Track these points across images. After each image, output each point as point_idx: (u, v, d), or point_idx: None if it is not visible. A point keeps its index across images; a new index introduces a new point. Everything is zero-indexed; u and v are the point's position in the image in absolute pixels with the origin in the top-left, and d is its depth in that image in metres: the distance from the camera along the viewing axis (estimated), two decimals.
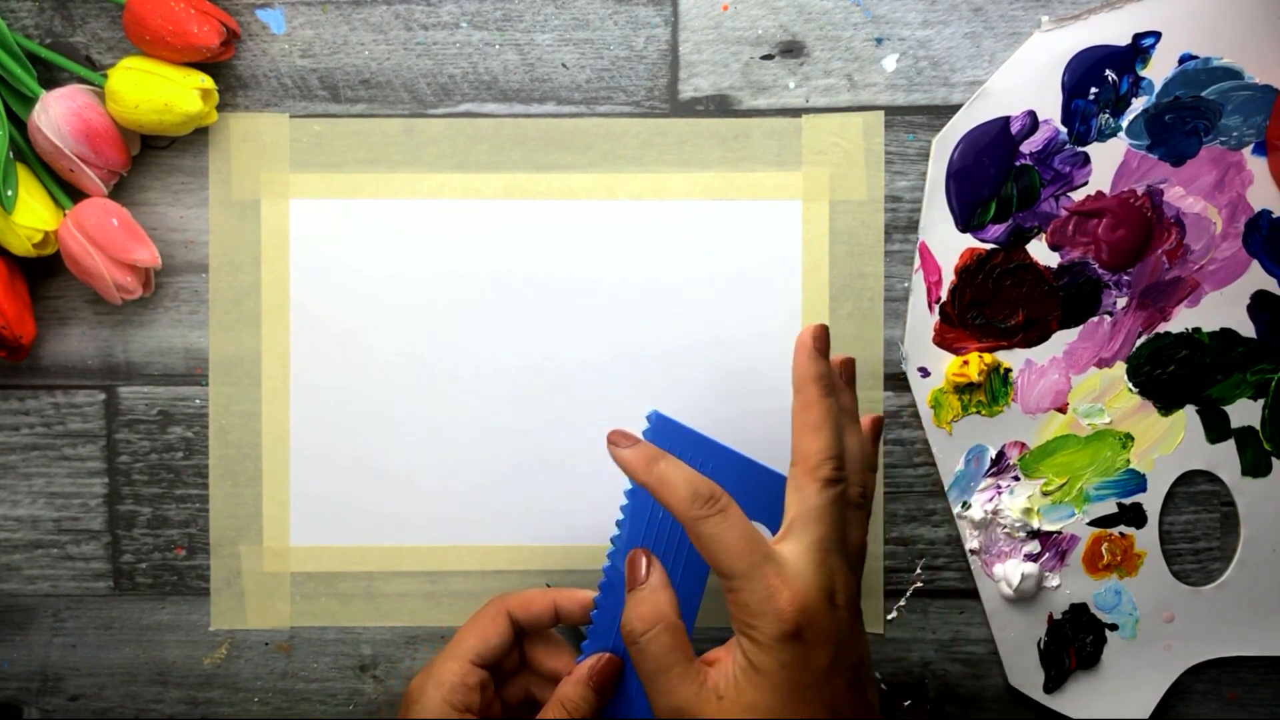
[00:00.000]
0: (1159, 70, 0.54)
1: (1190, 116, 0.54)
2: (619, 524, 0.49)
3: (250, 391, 0.56)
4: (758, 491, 0.48)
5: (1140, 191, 0.54)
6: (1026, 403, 0.55)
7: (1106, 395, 0.55)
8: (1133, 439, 0.55)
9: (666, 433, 0.48)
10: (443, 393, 0.56)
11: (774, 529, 0.47)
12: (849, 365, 0.48)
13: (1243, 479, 0.55)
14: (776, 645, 0.42)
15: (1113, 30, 0.54)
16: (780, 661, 0.42)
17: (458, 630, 0.51)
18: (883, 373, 0.55)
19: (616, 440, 0.47)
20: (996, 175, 0.54)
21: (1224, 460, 0.55)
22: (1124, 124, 0.54)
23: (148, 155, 0.56)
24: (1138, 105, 0.54)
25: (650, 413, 0.49)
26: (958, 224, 0.55)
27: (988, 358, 0.55)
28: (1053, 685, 0.55)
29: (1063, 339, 0.55)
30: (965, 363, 0.54)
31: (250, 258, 0.56)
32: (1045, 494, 0.55)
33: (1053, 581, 0.55)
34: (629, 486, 0.49)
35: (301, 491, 0.56)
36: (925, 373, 0.55)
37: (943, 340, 0.55)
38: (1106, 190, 0.54)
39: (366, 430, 0.56)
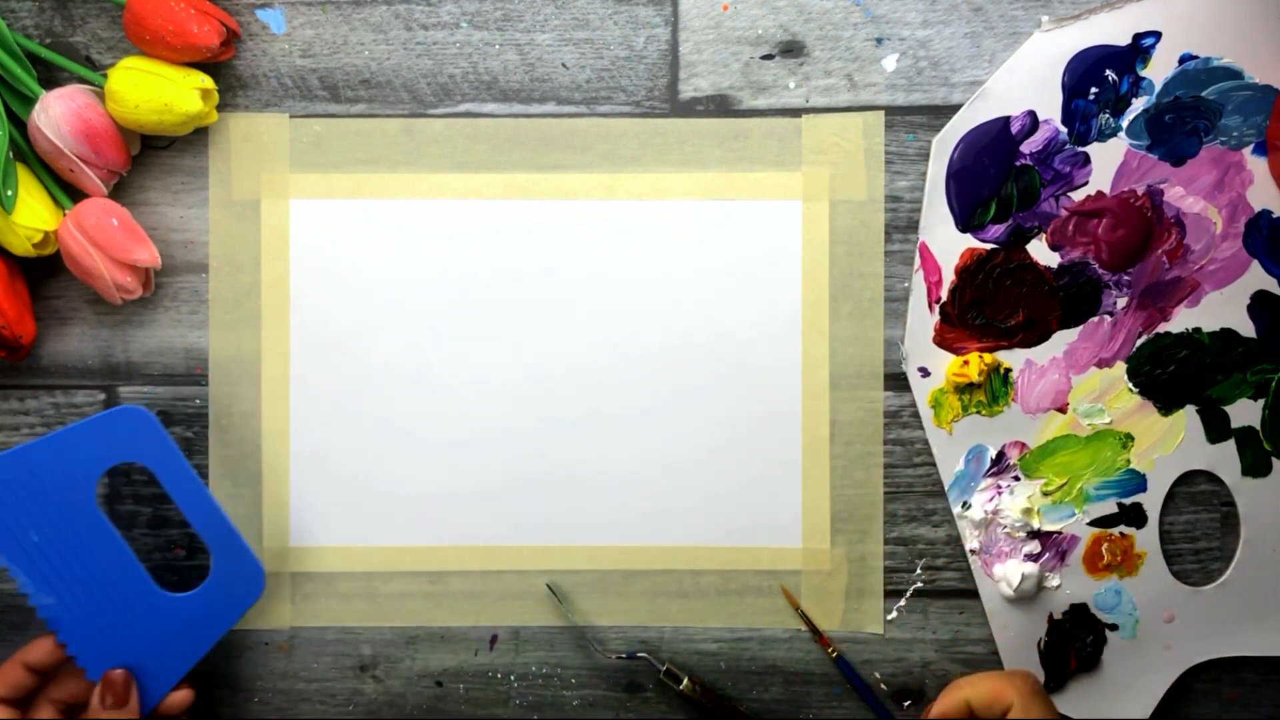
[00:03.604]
0: (1159, 70, 0.54)
1: (1190, 116, 0.54)
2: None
3: (250, 391, 0.56)
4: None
5: (1140, 191, 0.54)
6: (1026, 403, 0.55)
7: (1106, 395, 0.55)
8: (1133, 439, 0.55)
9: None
10: (442, 392, 0.56)
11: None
12: None
13: (1243, 479, 0.55)
14: None
15: (1113, 30, 0.54)
16: None
17: None
18: (883, 373, 0.55)
19: None
20: (996, 175, 0.54)
21: (1224, 460, 0.55)
22: (1124, 124, 0.54)
23: (148, 155, 0.56)
24: (1138, 105, 0.54)
25: None
26: (958, 224, 0.55)
27: (988, 358, 0.55)
28: (1053, 685, 0.55)
29: (1063, 339, 0.55)
30: (965, 363, 0.54)
31: (250, 258, 0.56)
32: (1045, 494, 0.55)
33: (1053, 581, 0.55)
34: None
35: (301, 491, 0.56)
36: (925, 373, 0.55)
37: (943, 340, 0.55)
38: (1106, 190, 0.54)
39: (366, 430, 0.56)
